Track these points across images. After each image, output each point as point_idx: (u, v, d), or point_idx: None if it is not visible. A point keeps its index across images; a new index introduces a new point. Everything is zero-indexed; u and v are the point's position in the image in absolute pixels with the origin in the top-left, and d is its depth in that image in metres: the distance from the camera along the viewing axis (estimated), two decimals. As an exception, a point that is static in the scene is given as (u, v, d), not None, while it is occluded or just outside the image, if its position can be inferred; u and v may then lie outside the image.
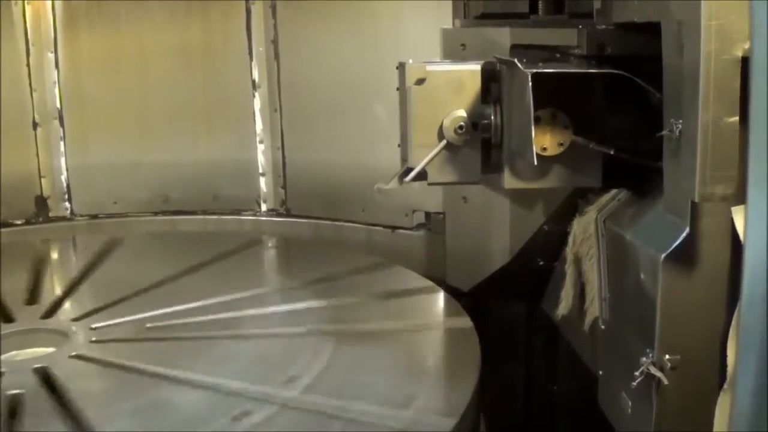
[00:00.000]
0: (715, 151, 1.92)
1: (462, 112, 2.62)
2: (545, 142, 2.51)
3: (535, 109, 2.34)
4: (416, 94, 2.64)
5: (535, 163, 2.38)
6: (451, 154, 2.66)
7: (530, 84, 2.31)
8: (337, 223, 4.65)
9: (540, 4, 3.14)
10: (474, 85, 2.65)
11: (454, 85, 2.64)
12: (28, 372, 2.77)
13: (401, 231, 4.45)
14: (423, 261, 4.30)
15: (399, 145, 2.90)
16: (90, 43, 4.72)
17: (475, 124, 2.64)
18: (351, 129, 4.48)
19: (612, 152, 2.47)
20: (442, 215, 4.05)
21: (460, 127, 2.61)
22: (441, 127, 2.63)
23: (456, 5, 3.66)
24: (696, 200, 1.98)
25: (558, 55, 2.69)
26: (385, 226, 4.50)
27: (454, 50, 2.96)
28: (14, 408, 2.55)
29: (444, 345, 3.26)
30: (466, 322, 3.20)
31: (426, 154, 2.63)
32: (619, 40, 2.56)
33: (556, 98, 2.48)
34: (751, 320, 1.78)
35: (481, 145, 2.67)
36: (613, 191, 2.65)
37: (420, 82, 2.63)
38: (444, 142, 2.63)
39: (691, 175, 1.96)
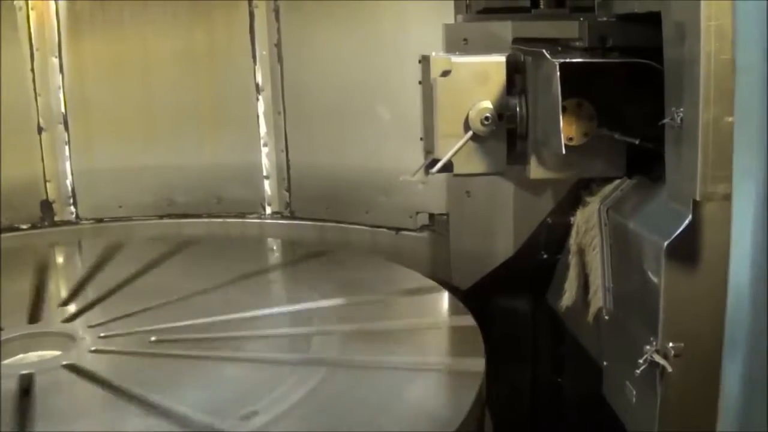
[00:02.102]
0: (716, 151, 1.95)
1: (488, 104, 2.65)
2: (571, 132, 2.55)
3: (562, 99, 2.37)
4: (442, 85, 2.67)
5: (564, 152, 2.40)
6: (476, 145, 2.70)
7: (558, 74, 2.34)
8: (341, 225, 4.66)
9: (542, -2, 3.17)
10: (499, 77, 2.68)
11: (480, 77, 2.67)
12: (14, 377, 2.79)
13: (405, 232, 4.46)
14: (427, 262, 4.31)
15: (421, 138, 2.96)
16: (94, 47, 4.73)
17: (500, 115, 2.66)
18: (355, 131, 4.50)
19: (637, 142, 2.48)
20: (445, 216, 4.05)
21: (486, 118, 2.64)
22: (467, 118, 2.66)
23: (458, 1, 3.67)
24: (698, 199, 2.00)
25: (559, 48, 2.71)
26: (389, 228, 4.51)
27: (456, 45, 2.97)
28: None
29: (448, 349, 3.26)
30: (469, 320, 3.21)
31: (452, 146, 2.67)
32: (620, 32, 2.58)
33: (581, 88, 2.51)
34: (737, 314, 1.81)
35: (507, 135, 2.70)
36: (617, 181, 2.66)
37: (446, 74, 2.66)
38: (470, 133, 2.66)
39: (693, 174, 1.98)
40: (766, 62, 1.74)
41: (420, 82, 2.90)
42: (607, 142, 2.59)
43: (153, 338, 3.13)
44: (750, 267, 1.76)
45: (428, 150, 2.84)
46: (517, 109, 2.69)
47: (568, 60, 2.41)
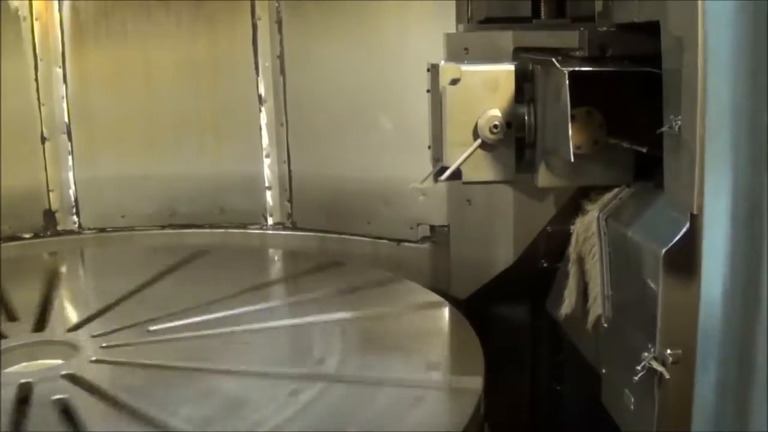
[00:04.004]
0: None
1: (496, 112, 2.65)
2: (580, 140, 2.55)
3: (571, 108, 2.38)
4: (451, 94, 2.68)
5: (572, 160, 2.41)
6: (485, 153, 2.70)
7: (567, 82, 2.35)
8: (342, 236, 4.67)
9: (542, 8, 3.18)
10: (508, 85, 2.68)
11: (489, 85, 2.68)
12: (13, 386, 2.80)
13: (406, 244, 4.47)
14: (428, 274, 4.32)
15: (429, 147, 2.95)
16: (98, 57, 4.77)
17: (509, 123, 2.67)
18: (357, 142, 4.52)
19: (645, 150, 2.50)
20: (446, 228, 4.06)
21: (495, 126, 2.64)
22: (476, 126, 2.66)
23: (460, 10, 3.70)
24: (694, 213, 2.00)
25: (560, 57, 2.72)
26: (390, 239, 4.52)
27: (457, 54, 2.99)
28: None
29: (447, 357, 3.27)
30: (468, 330, 3.23)
31: (460, 153, 2.67)
32: (620, 41, 2.59)
33: (590, 96, 2.52)
34: (709, 328, 1.85)
35: (515, 144, 2.71)
36: (615, 190, 2.66)
37: (455, 82, 2.67)
38: (479, 141, 2.66)
39: (690, 185, 1.99)
40: (734, 82, 1.78)
41: (428, 91, 2.91)
42: (615, 150, 2.59)
43: (154, 349, 3.14)
44: (721, 282, 1.81)
45: (436, 158, 2.84)
46: (526, 117, 2.70)
47: (578, 69, 2.42)
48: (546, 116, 2.64)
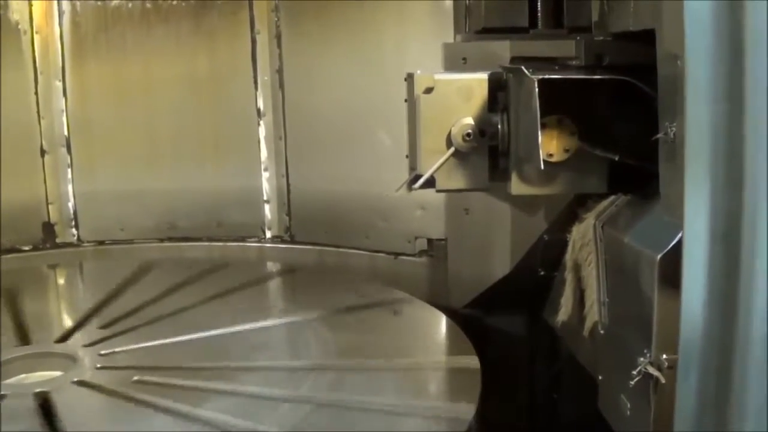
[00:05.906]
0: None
1: (470, 120, 2.68)
2: (552, 148, 2.56)
3: (542, 116, 2.39)
4: (425, 102, 2.71)
5: (542, 167, 2.42)
6: (459, 161, 2.73)
7: (537, 90, 2.37)
8: (340, 249, 4.68)
9: (540, 18, 3.20)
10: (481, 94, 2.72)
11: (462, 94, 2.71)
12: (28, 396, 2.80)
13: (404, 257, 4.47)
14: (425, 287, 4.32)
15: (407, 156, 2.97)
16: (98, 71, 4.79)
17: (482, 131, 2.70)
18: (355, 156, 4.53)
19: (617, 158, 2.51)
20: (444, 241, 4.07)
21: (468, 135, 2.67)
22: (449, 134, 2.69)
23: (458, 21, 3.72)
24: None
25: (556, 67, 2.74)
26: (388, 253, 4.52)
27: (455, 64, 3.02)
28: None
29: (443, 371, 3.27)
30: (465, 342, 3.22)
31: (435, 161, 2.69)
32: (615, 50, 2.61)
33: (562, 104, 2.53)
34: (690, 339, 1.87)
35: (489, 152, 2.73)
36: (612, 197, 2.68)
37: (429, 91, 2.70)
38: (452, 149, 2.69)
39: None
40: (714, 117, 1.80)
41: (405, 100, 2.94)
42: (589, 158, 2.60)
43: (155, 354, 3.14)
44: (703, 303, 1.84)
45: (413, 167, 2.87)
46: (499, 125, 2.72)
47: (547, 76, 2.44)
48: (518, 124, 2.66)
